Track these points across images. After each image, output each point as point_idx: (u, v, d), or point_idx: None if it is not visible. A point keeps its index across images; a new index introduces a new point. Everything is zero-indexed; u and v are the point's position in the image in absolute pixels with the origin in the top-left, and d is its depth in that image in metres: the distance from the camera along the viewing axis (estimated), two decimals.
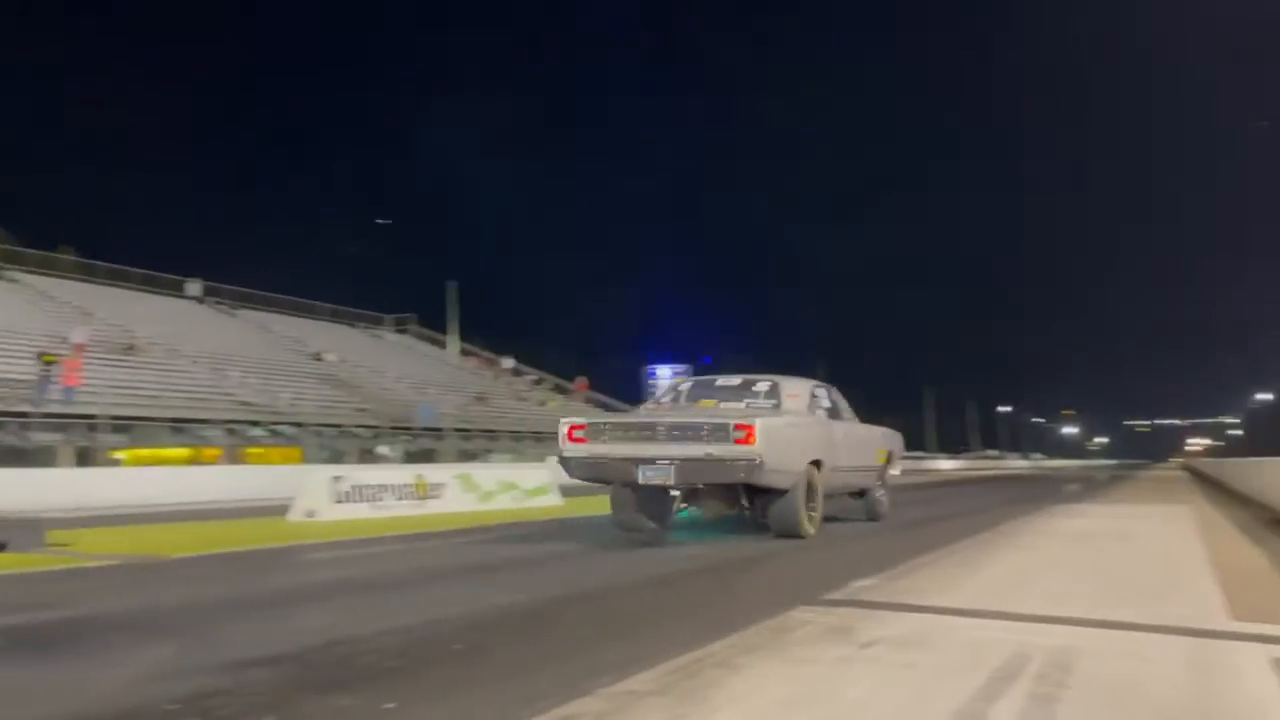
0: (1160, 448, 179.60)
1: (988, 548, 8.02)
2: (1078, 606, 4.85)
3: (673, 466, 7.84)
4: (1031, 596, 5.23)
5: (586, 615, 4.93)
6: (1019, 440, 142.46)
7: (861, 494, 10.51)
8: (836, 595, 5.19)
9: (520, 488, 14.45)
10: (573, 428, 8.38)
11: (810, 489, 8.41)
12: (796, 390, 9.16)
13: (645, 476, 7.97)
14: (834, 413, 9.66)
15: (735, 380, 9.36)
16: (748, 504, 8.52)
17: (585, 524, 11.50)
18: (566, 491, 15.66)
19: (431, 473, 13.69)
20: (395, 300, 55.85)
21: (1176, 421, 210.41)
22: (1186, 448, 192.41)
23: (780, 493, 8.16)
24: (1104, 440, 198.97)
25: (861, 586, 5.54)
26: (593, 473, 8.40)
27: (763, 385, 9.18)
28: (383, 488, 12.40)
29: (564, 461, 8.41)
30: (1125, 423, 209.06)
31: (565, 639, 4.20)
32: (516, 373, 44.42)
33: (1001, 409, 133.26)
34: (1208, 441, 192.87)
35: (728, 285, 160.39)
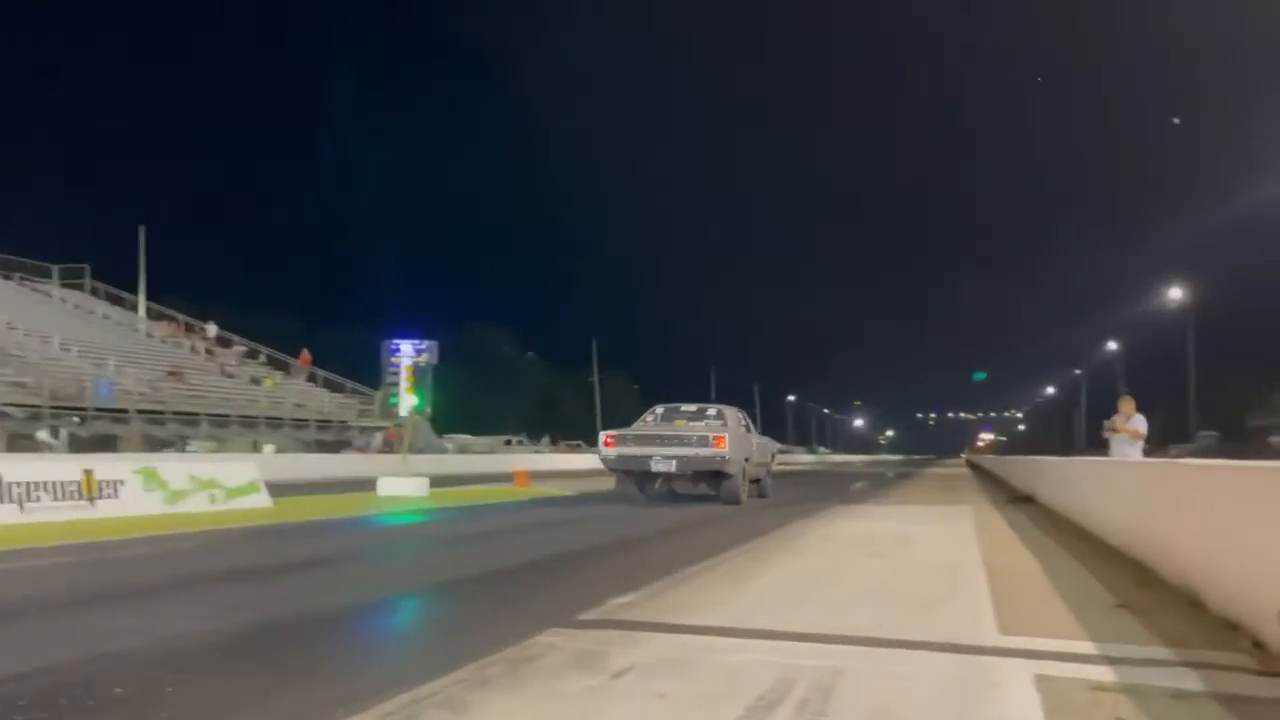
0: (951, 442, 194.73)
1: (760, 555, 8.44)
2: (851, 621, 5.20)
3: (674, 460, 14.51)
4: (804, 611, 5.55)
5: (292, 647, 4.74)
6: (808, 432, 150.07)
7: (758, 481, 17.08)
8: (591, 615, 5.29)
9: (221, 486, 13.74)
10: (608, 437, 15.32)
11: (744, 475, 15.10)
12: (732, 415, 16.20)
13: (656, 466, 14.66)
14: (748, 429, 16.80)
15: (693, 408, 16.53)
16: (705, 484, 15.16)
17: (297, 531, 11.13)
18: (277, 492, 15.08)
19: (105, 466, 12.75)
20: (68, 248, 51.55)
21: (968, 415, 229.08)
22: (978, 443, 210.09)
23: (729, 476, 14.72)
24: (893, 434, 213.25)
25: (620, 604, 5.67)
26: (623, 465, 15.13)
27: (712, 411, 16.34)
28: (37, 485, 11.43)
29: (604, 459, 15.21)
30: (917, 415, 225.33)
31: (261, 677, 4.02)
32: (223, 342, 42.24)
33: (790, 398, 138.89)
34: (993, 436, 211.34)
35: (472, 256, 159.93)
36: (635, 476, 15.52)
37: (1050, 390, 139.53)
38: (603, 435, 15.69)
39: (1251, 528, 4.73)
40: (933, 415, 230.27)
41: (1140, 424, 13.22)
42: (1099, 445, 14.64)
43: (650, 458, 14.91)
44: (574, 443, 73.14)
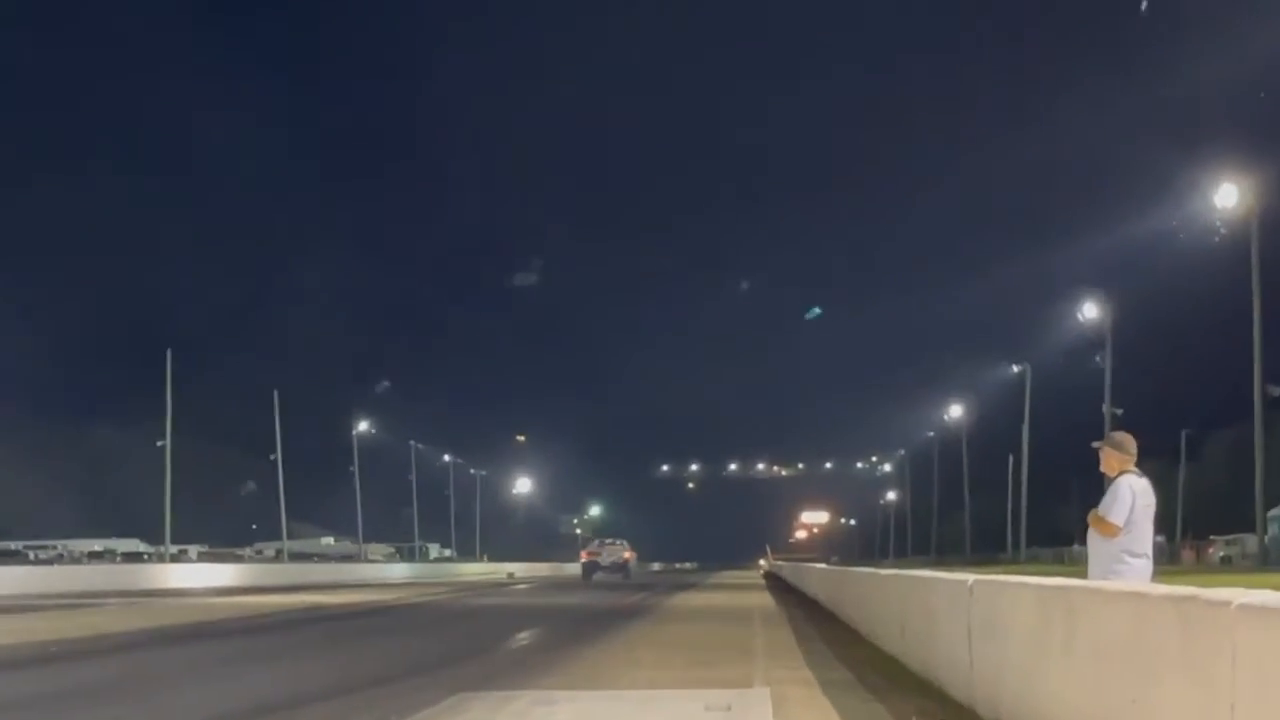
0: (739, 532, 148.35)
1: None
2: None
3: (610, 562, 75.74)
4: None
5: None
6: (437, 511, 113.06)
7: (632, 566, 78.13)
8: None
9: None
10: (584, 553, 77.04)
11: (631, 566, 78.16)
12: (625, 541, 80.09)
13: (603, 563, 74.78)
14: (631, 546, 79.83)
15: (611, 540, 78.98)
16: (620, 572, 73.48)
17: None
18: None
19: None
20: None
21: (780, 469, 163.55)
22: (796, 533, 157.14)
23: (627, 566, 76.73)
24: (599, 512, 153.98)
25: None
26: (590, 563, 74.14)
27: (620, 542, 77.81)
28: None
29: (583, 564, 74.44)
30: (662, 468, 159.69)
31: None
32: None
33: (362, 426, 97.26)
34: (826, 519, 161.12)
35: None
36: (592, 569, 64.54)
37: (956, 412, 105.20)
38: (583, 551, 71.43)
39: None
40: (694, 468, 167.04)
41: (1119, 502, 8.92)
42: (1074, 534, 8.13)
43: (600, 561, 66.00)
44: None
